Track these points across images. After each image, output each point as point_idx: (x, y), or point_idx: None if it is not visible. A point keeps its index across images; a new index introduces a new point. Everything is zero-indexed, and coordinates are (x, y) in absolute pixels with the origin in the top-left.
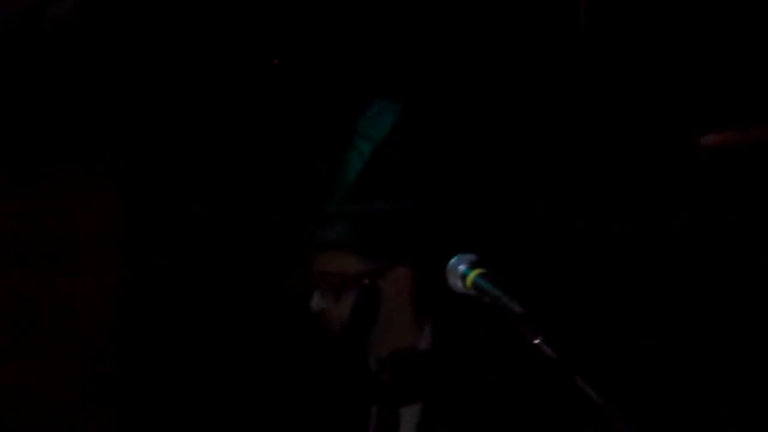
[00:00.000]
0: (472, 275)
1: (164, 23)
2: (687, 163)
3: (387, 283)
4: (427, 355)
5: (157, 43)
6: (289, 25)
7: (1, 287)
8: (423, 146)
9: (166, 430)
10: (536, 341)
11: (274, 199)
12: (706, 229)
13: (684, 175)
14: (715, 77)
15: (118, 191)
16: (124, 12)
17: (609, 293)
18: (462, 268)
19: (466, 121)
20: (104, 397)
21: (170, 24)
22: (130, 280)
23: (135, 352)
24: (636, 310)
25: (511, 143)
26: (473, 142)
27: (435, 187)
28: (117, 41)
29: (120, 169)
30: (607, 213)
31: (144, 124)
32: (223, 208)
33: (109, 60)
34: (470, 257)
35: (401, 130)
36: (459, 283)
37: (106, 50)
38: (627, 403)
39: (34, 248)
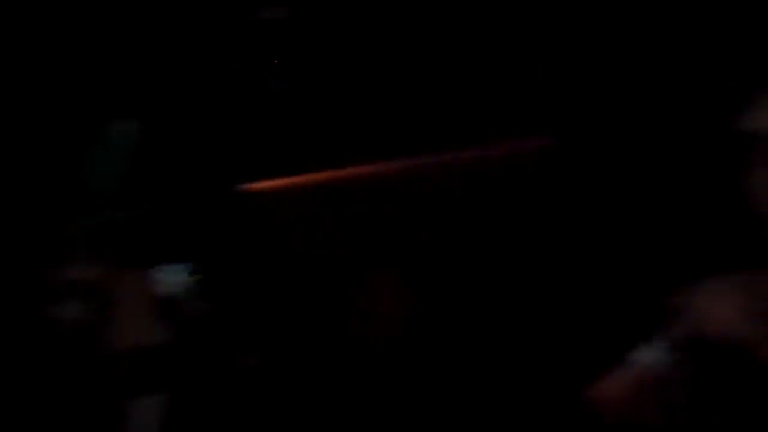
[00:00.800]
0: (180, 280)
1: None
2: None
3: (123, 287)
4: (162, 350)
5: None
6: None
7: None
8: (150, 164)
9: None
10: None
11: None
12: None
13: None
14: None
15: None
16: None
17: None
18: (171, 275)
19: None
20: None
21: None
22: None
23: None
24: None
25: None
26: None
27: (161, 201)
28: None
29: None
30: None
31: None
32: None
33: None
34: (184, 265)
35: (137, 150)
36: (168, 288)
37: None
38: None
39: None
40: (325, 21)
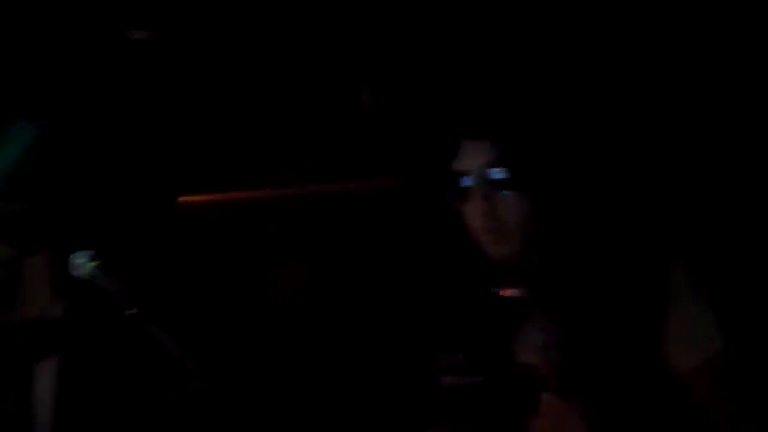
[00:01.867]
0: (89, 266)
1: None
2: None
3: (27, 268)
4: (61, 322)
5: None
6: None
7: None
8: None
9: None
10: (130, 311)
11: None
12: None
13: None
14: None
15: None
16: None
17: None
18: (80, 260)
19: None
20: None
21: None
22: None
23: None
24: None
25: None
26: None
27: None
28: None
29: None
30: None
31: None
32: None
33: None
34: (87, 253)
35: (36, 146)
36: (79, 271)
37: None
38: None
39: None
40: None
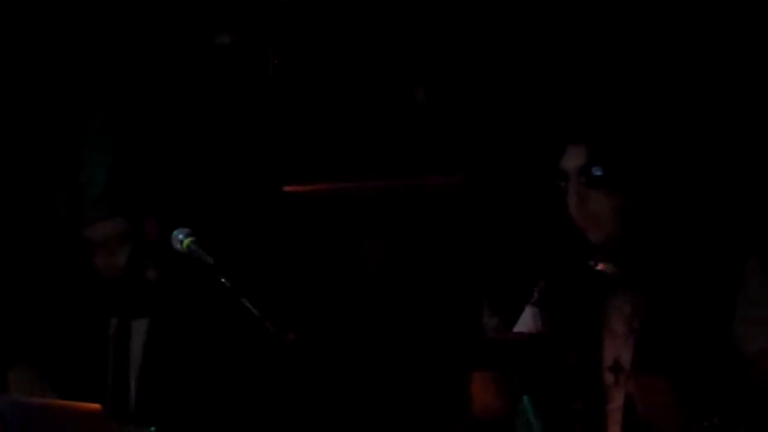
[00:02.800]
0: (187, 241)
1: None
2: None
3: (144, 231)
4: (154, 284)
5: None
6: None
7: None
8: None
9: None
10: (223, 280)
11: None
12: None
13: None
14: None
15: None
16: None
17: None
18: (180, 236)
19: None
20: None
21: None
22: None
23: None
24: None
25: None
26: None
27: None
28: None
29: None
30: None
31: None
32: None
33: None
34: (186, 230)
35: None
36: (178, 245)
37: None
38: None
39: None
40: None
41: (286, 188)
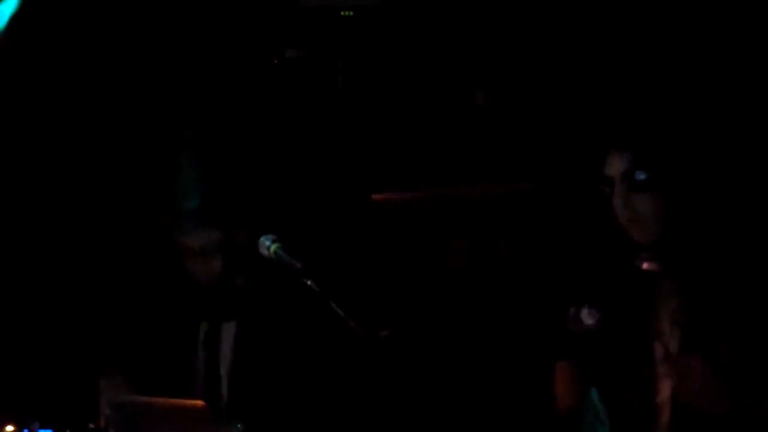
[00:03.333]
0: (273, 247)
1: None
2: None
3: (235, 240)
4: (243, 289)
5: None
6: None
7: None
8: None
9: None
10: (308, 282)
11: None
12: None
13: None
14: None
15: None
16: None
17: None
18: (267, 242)
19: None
20: None
21: None
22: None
23: None
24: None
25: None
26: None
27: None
28: None
29: None
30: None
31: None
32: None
33: None
34: (272, 236)
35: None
36: (265, 251)
37: None
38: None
39: None
40: None
41: (374, 197)
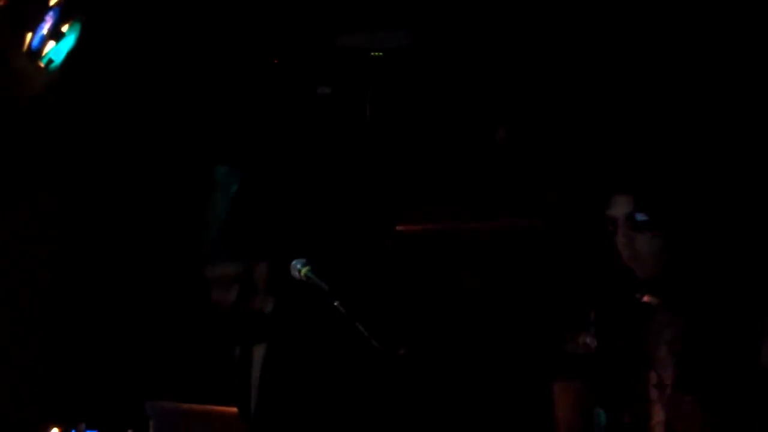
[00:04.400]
0: (304, 270)
1: None
2: None
3: (254, 273)
4: (268, 316)
5: None
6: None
7: None
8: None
9: None
10: (335, 303)
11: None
12: None
13: None
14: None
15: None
16: None
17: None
18: (298, 266)
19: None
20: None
21: None
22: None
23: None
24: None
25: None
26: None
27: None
28: None
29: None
30: None
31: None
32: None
33: None
34: (303, 260)
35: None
36: (296, 274)
37: None
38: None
39: None
40: None
41: (399, 227)
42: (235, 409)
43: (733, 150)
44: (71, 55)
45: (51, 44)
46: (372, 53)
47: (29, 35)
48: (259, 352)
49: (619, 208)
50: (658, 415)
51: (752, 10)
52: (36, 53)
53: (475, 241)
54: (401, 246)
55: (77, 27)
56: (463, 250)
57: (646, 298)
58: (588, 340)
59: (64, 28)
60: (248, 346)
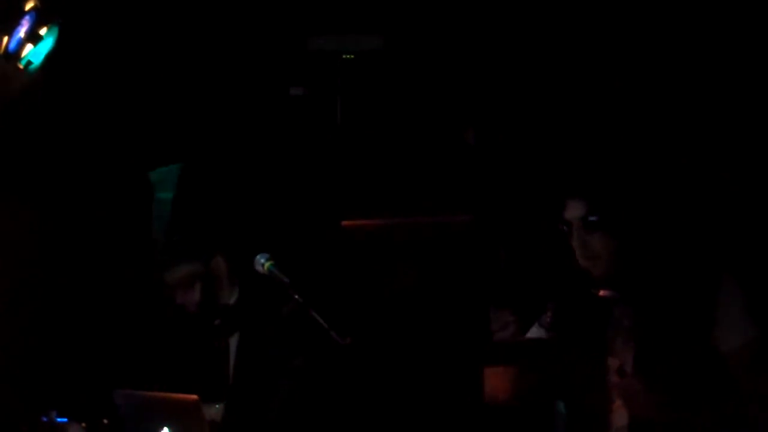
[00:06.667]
0: (267, 264)
1: None
2: None
3: (212, 269)
4: (235, 307)
5: None
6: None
7: None
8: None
9: None
10: (295, 296)
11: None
12: None
13: None
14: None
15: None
16: None
17: None
18: (262, 260)
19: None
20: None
21: None
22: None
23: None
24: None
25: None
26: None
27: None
28: None
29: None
30: None
31: None
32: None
33: None
34: (266, 255)
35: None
36: (260, 267)
37: None
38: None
39: None
40: None
41: (344, 223)
42: (195, 397)
43: (676, 157)
44: (50, 57)
45: (29, 47)
46: (343, 56)
47: (5, 38)
48: (234, 343)
49: (574, 211)
50: (618, 400)
51: (706, 14)
52: (13, 56)
53: (412, 236)
54: (345, 241)
55: (55, 30)
56: (401, 244)
57: (602, 293)
58: (540, 327)
59: (42, 31)
60: (224, 338)
